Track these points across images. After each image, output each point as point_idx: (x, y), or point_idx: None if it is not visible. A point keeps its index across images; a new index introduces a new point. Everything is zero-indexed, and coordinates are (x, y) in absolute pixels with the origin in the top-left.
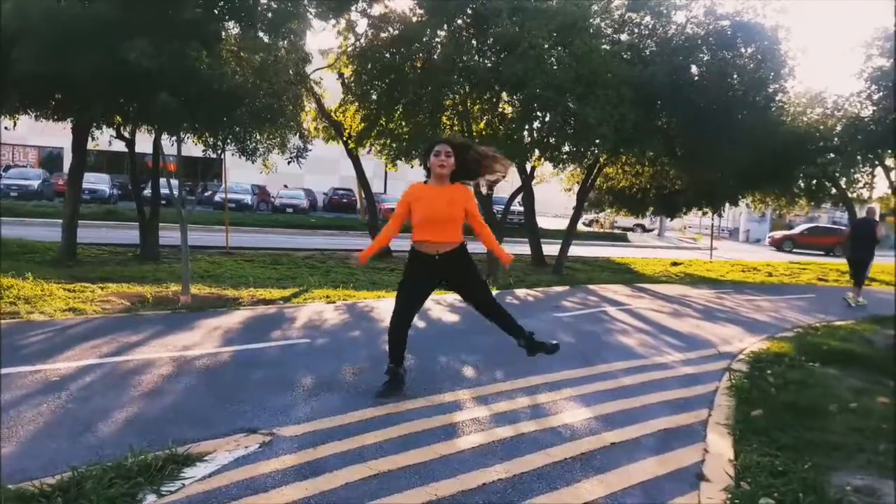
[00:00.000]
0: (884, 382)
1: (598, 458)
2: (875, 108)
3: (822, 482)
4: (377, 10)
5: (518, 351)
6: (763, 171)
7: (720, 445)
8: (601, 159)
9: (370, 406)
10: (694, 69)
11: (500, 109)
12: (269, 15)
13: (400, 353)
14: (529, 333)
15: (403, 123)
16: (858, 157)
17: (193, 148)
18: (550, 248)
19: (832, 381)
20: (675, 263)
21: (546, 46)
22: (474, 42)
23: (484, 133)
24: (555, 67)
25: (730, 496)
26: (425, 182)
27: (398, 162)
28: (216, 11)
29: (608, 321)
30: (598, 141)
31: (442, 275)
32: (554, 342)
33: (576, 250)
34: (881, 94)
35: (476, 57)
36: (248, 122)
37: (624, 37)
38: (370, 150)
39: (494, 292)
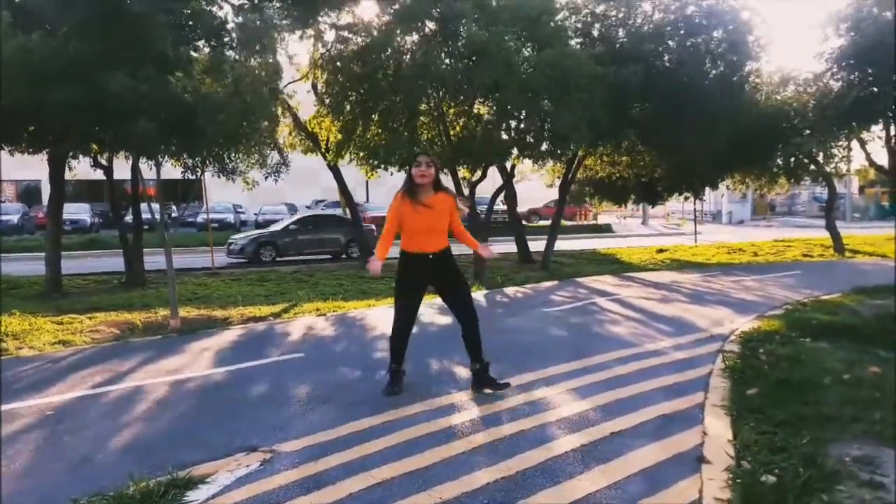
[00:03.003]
0: (872, 352)
1: (599, 449)
2: (842, 84)
3: (820, 455)
4: (344, 19)
5: (509, 349)
6: (741, 152)
7: (718, 427)
8: (580, 153)
9: (368, 415)
10: (666, 57)
11: (476, 111)
12: (239, 33)
13: (402, 354)
14: (486, 363)
15: (380, 132)
16: (834, 131)
17: (172, 170)
18: (536, 245)
19: (823, 355)
20: (660, 250)
21: (514, 49)
22: (445, 49)
23: (462, 136)
24: (529, 71)
25: (731, 476)
26: (407, 194)
27: (378, 170)
28: (185, 33)
29: (598, 312)
30: (574, 139)
31: (433, 274)
32: (505, 381)
33: (561, 244)
34: (843, 73)
35: (447, 61)
36: (223, 141)
37: (595, 30)
38: (350, 161)
39: (483, 292)
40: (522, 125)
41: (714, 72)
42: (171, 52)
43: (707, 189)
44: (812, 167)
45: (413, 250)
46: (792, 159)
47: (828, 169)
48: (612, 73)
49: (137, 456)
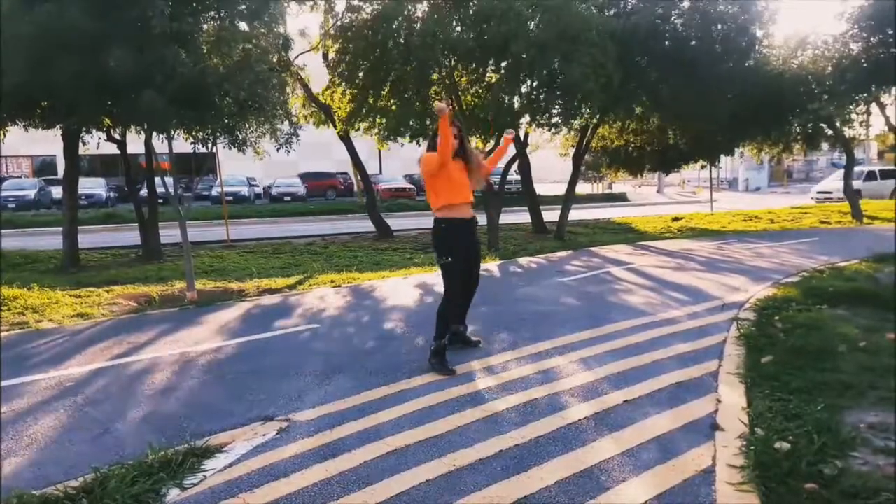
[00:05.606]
0: (891, 319)
1: (612, 417)
2: (862, 45)
3: (835, 422)
4: None
5: (523, 318)
6: (757, 118)
7: (732, 394)
8: (593, 121)
9: (382, 385)
10: (678, 21)
11: (487, 79)
12: (247, 3)
13: (462, 313)
14: (465, 327)
15: (392, 101)
16: (852, 96)
17: (185, 144)
18: (550, 214)
19: (840, 322)
20: (676, 219)
21: (527, 12)
22: (456, 16)
23: (473, 104)
24: (538, 27)
25: (745, 443)
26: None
27: (389, 141)
28: (193, 4)
29: (612, 281)
30: (586, 100)
31: (472, 238)
32: (477, 339)
33: (576, 214)
34: (864, 33)
35: (458, 28)
36: (235, 112)
37: None
38: (359, 131)
39: (497, 262)
40: (534, 85)
41: (719, 35)
42: (175, 25)
43: (723, 156)
44: (829, 133)
45: (455, 216)
46: (809, 125)
47: (846, 134)
48: (621, 23)
49: (156, 426)
